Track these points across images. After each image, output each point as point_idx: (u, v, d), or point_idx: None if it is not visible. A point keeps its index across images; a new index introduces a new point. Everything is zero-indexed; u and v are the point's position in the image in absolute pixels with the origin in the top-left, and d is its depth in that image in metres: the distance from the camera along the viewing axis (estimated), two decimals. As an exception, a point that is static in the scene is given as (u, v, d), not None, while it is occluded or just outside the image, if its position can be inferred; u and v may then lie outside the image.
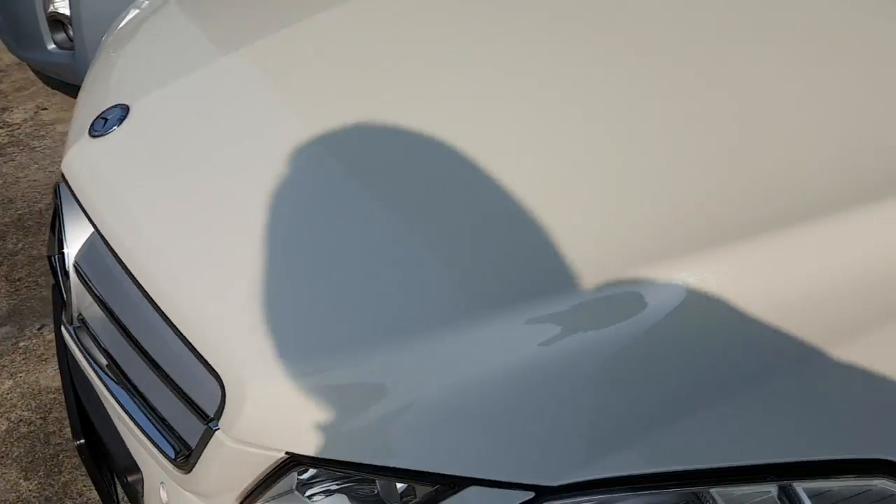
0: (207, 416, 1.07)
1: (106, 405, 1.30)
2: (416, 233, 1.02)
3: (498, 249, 0.97)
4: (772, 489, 0.78)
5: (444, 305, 0.94)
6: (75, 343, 1.35)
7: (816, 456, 0.77)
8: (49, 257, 1.45)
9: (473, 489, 0.86)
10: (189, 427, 1.13)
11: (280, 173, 1.18)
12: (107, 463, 1.39)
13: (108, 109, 1.41)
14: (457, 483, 0.87)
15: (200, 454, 1.09)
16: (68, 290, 1.36)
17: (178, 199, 1.22)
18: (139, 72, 1.53)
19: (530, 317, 0.89)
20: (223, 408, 1.03)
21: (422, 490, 0.92)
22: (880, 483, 0.77)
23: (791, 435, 0.77)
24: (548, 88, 1.17)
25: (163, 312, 1.13)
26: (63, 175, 1.42)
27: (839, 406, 0.81)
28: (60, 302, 1.43)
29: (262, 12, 1.56)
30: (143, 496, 1.29)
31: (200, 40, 1.52)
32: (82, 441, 1.38)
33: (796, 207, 0.92)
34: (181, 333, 1.11)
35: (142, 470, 1.27)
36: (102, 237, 1.26)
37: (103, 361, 1.28)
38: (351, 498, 1.03)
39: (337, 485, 1.03)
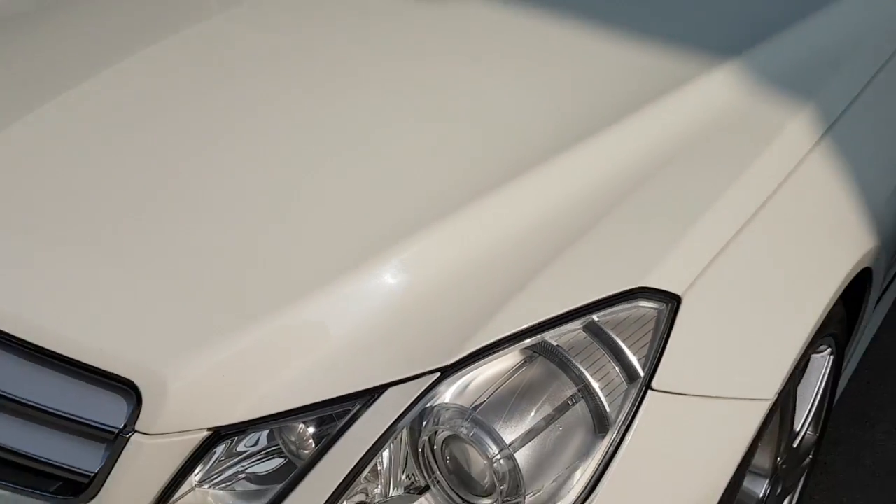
0: (115, 429, 1.15)
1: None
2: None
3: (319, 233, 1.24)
4: (578, 326, 1.15)
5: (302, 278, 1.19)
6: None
7: (601, 295, 1.16)
8: None
9: (390, 391, 1.12)
10: (82, 453, 1.19)
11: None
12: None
13: None
14: (376, 391, 1.12)
15: (110, 471, 1.17)
16: None
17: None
18: None
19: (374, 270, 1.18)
20: (139, 412, 1.14)
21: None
22: (640, 304, 1.18)
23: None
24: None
25: (41, 354, 1.18)
26: None
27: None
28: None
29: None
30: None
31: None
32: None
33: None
34: (73, 364, 1.14)
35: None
36: None
37: None
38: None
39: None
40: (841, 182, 1.41)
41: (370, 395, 1.11)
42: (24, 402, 1.19)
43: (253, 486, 1.18)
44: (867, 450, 2.14)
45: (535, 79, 1.52)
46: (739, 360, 1.21)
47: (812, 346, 1.35)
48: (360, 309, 1.16)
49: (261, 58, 1.59)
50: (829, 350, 1.57)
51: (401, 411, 1.09)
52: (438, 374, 1.10)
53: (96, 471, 1.16)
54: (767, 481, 1.52)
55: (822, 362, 1.58)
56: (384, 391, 1.11)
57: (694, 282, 1.18)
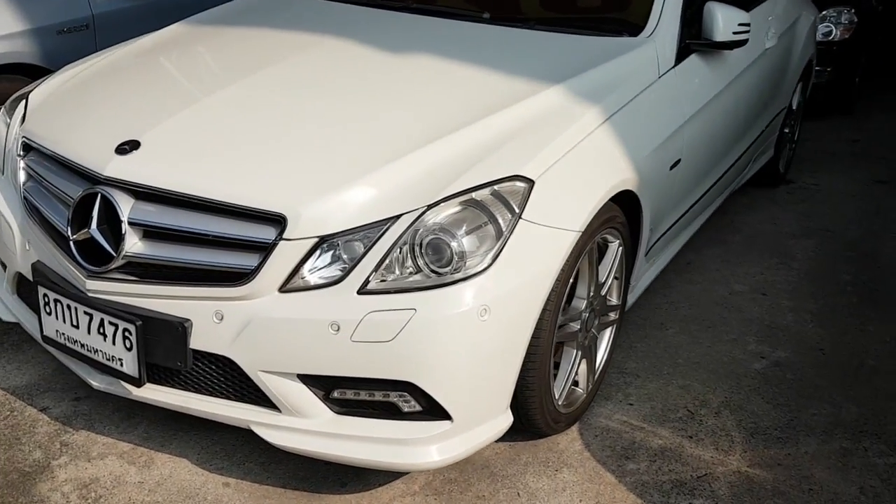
0: (269, 241, 2.29)
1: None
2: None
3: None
4: (488, 191, 2.46)
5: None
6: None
7: (500, 176, 2.47)
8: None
9: (403, 216, 2.35)
10: (240, 260, 2.27)
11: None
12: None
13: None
14: (396, 217, 2.35)
15: (261, 266, 2.29)
16: None
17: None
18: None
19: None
20: (283, 230, 2.24)
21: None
22: (517, 183, 2.48)
23: None
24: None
25: (215, 206, 2.30)
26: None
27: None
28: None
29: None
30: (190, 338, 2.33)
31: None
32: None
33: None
34: (231, 208, 2.28)
35: (189, 317, 2.38)
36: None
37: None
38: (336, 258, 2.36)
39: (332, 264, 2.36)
40: (615, 143, 2.76)
41: (393, 219, 2.33)
42: (204, 234, 2.32)
43: (330, 273, 2.35)
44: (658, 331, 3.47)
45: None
46: (562, 210, 2.49)
47: (601, 226, 2.66)
48: (394, 176, 2.36)
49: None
50: (618, 242, 2.88)
51: (406, 227, 2.31)
52: (426, 207, 2.34)
53: (254, 266, 2.32)
54: (586, 304, 2.81)
55: (614, 249, 2.89)
56: (400, 217, 2.33)
57: (541, 175, 2.47)
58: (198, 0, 4.23)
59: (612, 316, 3.01)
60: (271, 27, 3.32)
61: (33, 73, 4.04)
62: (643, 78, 3.03)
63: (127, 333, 2.38)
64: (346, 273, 2.29)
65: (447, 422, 2.35)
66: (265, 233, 2.30)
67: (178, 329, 2.36)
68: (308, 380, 2.35)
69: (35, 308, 2.75)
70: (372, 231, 2.30)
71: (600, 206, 2.58)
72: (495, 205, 2.36)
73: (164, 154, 2.45)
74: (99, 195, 2.42)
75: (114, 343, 2.42)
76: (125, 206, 2.39)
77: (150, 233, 2.41)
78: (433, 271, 2.29)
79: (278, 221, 2.29)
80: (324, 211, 2.28)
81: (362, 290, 2.27)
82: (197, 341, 2.37)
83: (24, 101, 3.04)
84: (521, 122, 2.61)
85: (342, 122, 2.58)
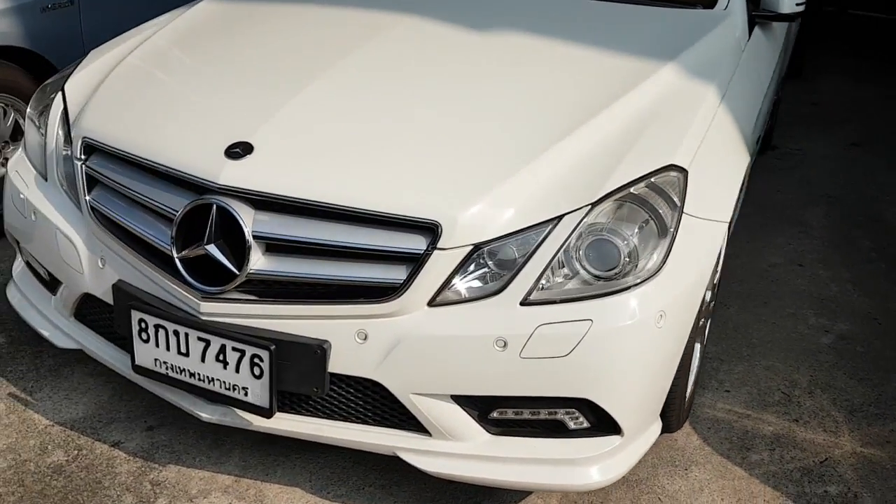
0: (420, 251, 2.02)
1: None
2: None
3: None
4: (643, 185, 2.27)
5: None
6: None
7: (654, 168, 2.30)
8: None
9: (566, 217, 2.14)
10: (387, 273, 2.03)
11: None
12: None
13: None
14: (558, 218, 2.14)
15: (412, 279, 2.04)
16: None
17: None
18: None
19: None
20: (438, 239, 2.00)
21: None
22: (671, 172, 2.32)
23: None
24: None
25: (358, 214, 2.04)
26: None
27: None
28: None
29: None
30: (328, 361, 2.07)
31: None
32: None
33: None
34: (376, 217, 2.03)
35: (327, 338, 2.13)
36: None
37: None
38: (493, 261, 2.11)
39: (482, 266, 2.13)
40: (733, 124, 2.63)
41: (555, 220, 2.14)
42: (343, 246, 2.07)
43: (485, 284, 2.14)
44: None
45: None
46: (712, 200, 2.35)
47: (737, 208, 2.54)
48: (546, 173, 2.17)
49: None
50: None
51: (571, 228, 2.12)
52: (590, 206, 2.16)
53: (403, 279, 2.08)
54: (711, 295, 2.69)
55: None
56: (562, 218, 2.14)
57: (689, 163, 2.33)
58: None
59: (712, 303, 2.91)
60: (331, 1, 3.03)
61: (22, 58, 3.60)
62: (734, 53, 2.92)
63: (257, 360, 2.12)
64: (506, 283, 2.09)
65: (617, 436, 2.20)
66: (415, 242, 2.07)
67: (317, 352, 2.11)
68: (463, 400, 2.15)
69: (103, 332, 2.45)
70: (531, 235, 2.11)
71: (739, 193, 2.45)
72: (655, 199, 2.20)
73: (284, 157, 2.18)
74: (214, 206, 2.12)
75: (237, 371, 2.16)
76: (247, 218, 2.11)
77: (274, 246, 2.14)
78: (597, 276, 2.12)
79: (429, 229, 2.07)
80: (480, 216, 2.08)
81: (526, 302, 2.08)
82: (336, 364, 2.14)
83: (57, 96, 2.67)
84: (648, 105, 2.46)
85: (465, 113, 2.36)
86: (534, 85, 2.51)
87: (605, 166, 2.23)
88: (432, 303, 2.10)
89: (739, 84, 2.84)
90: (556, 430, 2.19)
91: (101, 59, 2.80)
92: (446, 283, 2.09)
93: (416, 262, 2.07)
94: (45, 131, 2.60)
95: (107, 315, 2.45)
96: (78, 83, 2.69)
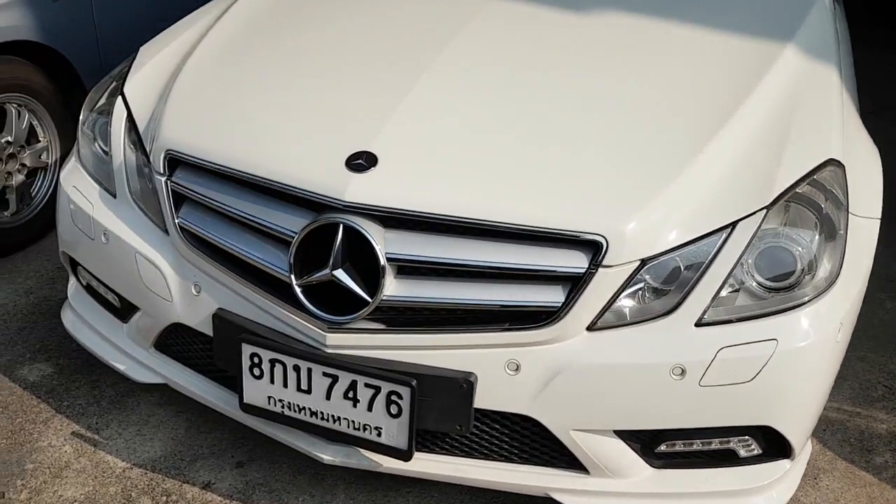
0: (581, 270, 1.79)
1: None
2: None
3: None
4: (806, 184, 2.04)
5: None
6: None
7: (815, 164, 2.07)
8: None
9: (741, 223, 1.88)
10: (542, 295, 1.80)
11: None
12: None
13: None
14: (732, 225, 1.89)
15: (574, 300, 1.83)
16: None
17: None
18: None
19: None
20: (603, 256, 1.77)
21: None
22: (830, 167, 2.09)
23: None
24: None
25: (513, 230, 1.79)
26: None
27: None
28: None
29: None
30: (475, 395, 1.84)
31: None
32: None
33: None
34: (535, 233, 1.79)
35: (473, 370, 1.89)
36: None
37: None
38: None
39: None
40: (853, 109, 2.39)
41: (728, 228, 1.90)
42: (490, 267, 1.82)
43: (651, 304, 1.91)
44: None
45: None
46: (865, 195, 2.10)
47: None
48: (709, 175, 1.94)
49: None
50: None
51: (749, 236, 1.88)
52: (765, 210, 1.93)
53: (561, 301, 1.85)
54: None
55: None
56: (736, 225, 1.91)
57: (843, 156, 2.09)
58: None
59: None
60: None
61: (33, 53, 3.26)
62: (832, 24, 2.71)
63: (394, 397, 1.88)
64: (677, 302, 1.86)
65: (787, 460, 2.00)
66: (576, 260, 1.84)
67: (462, 386, 1.88)
68: (626, 434, 1.93)
69: (194, 364, 2.21)
70: (702, 246, 1.88)
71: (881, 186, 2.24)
72: (820, 198, 1.99)
73: (412, 166, 1.93)
74: (341, 227, 1.86)
75: (369, 409, 1.91)
76: (378, 238, 1.86)
77: (406, 269, 1.89)
78: (769, 289, 1.90)
79: (591, 245, 1.83)
80: (648, 228, 1.84)
81: (701, 322, 1.86)
82: (483, 399, 1.90)
83: (118, 102, 2.36)
84: (784, 92, 2.24)
85: (595, 110, 2.12)
86: (658, 75, 2.26)
87: (765, 164, 2.00)
88: (592, 327, 1.87)
89: (845, 58, 2.64)
90: (725, 459, 1.98)
91: (158, 58, 2.49)
92: (608, 305, 1.85)
93: (576, 283, 1.83)
94: (110, 143, 2.30)
95: (199, 346, 2.18)
96: (138, 86, 2.39)
